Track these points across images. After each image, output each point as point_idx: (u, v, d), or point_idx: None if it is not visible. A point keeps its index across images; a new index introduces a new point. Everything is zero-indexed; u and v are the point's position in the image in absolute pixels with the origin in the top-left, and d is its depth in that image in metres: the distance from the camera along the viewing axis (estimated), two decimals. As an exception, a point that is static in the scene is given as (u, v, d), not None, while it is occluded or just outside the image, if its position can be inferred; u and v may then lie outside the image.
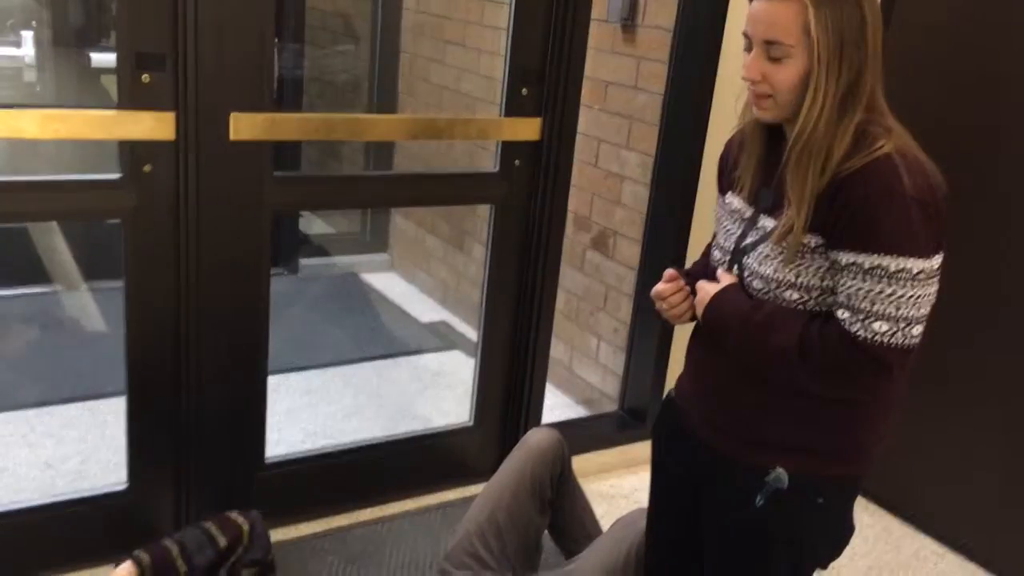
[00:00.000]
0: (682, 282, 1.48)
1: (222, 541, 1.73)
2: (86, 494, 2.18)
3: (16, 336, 3.40)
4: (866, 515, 2.68)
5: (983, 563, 2.58)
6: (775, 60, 1.29)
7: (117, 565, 1.60)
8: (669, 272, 1.50)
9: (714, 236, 1.51)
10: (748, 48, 1.33)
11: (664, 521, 1.64)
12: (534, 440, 2.10)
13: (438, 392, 3.33)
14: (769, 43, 1.28)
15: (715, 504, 1.48)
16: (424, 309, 4.08)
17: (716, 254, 1.47)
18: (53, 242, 3.91)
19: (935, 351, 2.54)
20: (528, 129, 2.40)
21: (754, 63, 1.31)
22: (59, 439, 2.71)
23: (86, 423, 2.80)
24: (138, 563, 1.59)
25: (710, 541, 1.50)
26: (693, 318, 1.48)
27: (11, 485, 2.46)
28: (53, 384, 3.05)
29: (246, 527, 1.78)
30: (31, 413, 2.83)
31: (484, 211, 3.51)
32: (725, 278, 1.41)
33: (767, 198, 1.37)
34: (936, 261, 1.27)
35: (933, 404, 2.63)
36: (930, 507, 2.70)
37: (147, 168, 1.95)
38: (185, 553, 1.67)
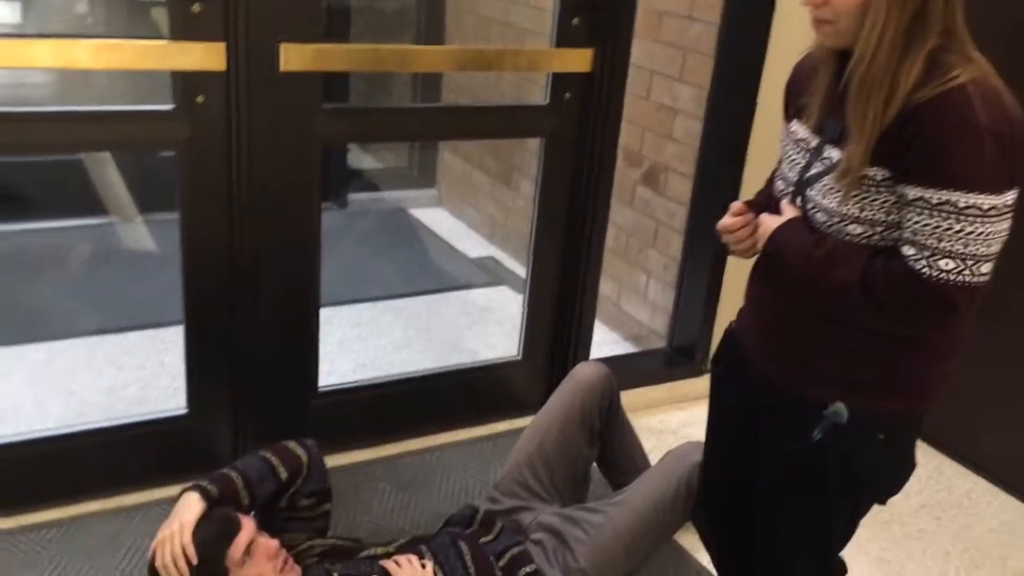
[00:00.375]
0: (750, 215, 1.44)
1: (283, 473, 1.75)
2: (147, 418, 2.25)
3: (76, 266, 3.49)
4: (918, 453, 2.64)
5: (1036, 505, 2.55)
6: None
7: (185, 488, 1.64)
8: (736, 205, 1.47)
9: (778, 165, 1.47)
10: None
11: (721, 454, 1.64)
12: (583, 373, 2.10)
13: (486, 327, 3.35)
14: None
15: (773, 437, 1.47)
16: (472, 244, 4.09)
17: (779, 184, 1.43)
18: (108, 174, 3.98)
19: (999, 289, 2.49)
20: (579, 60, 2.35)
21: None
22: (120, 365, 2.79)
23: (146, 350, 2.88)
24: (205, 494, 1.62)
25: (767, 474, 1.49)
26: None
27: (76, 408, 2.55)
28: (113, 313, 3.13)
29: (305, 459, 1.80)
30: (93, 340, 2.92)
31: (532, 146, 3.47)
32: (788, 210, 1.38)
33: (833, 128, 1.32)
34: (1009, 197, 1.21)
35: (993, 344, 2.57)
36: (984, 448, 2.66)
37: (199, 99, 1.95)
38: (248, 484, 1.69)
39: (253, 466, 1.73)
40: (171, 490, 2.08)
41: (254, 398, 2.24)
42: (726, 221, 1.46)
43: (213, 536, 1.56)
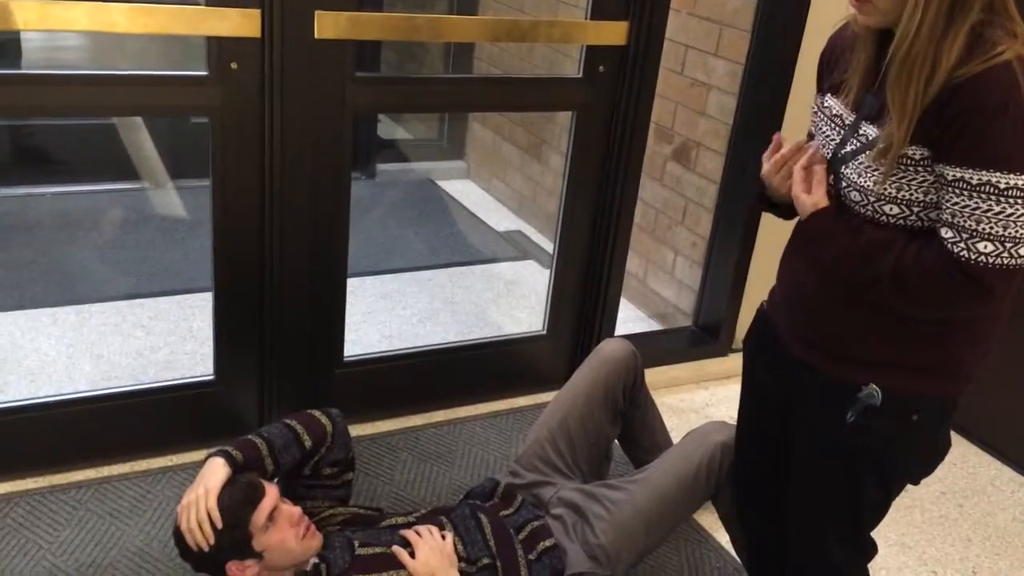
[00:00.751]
0: (785, 152, 1.39)
1: (307, 442, 1.76)
2: (175, 382, 2.28)
3: (108, 230, 3.53)
4: (943, 442, 2.63)
5: (1063, 496, 2.53)
6: None
7: (210, 454, 1.66)
8: (770, 150, 1.42)
9: (809, 137, 1.45)
10: None
11: (754, 433, 1.63)
12: (608, 350, 2.10)
13: (512, 301, 3.35)
14: None
15: (805, 418, 1.46)
16: (500, 218, 4.08)
17: None
18: (140, 140, 4.01)
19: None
20: (614, 33, 2.32)
21: None
22: (149, 330, 2.83)
23: (175, 316, 2.91)
24: (230, 459, 1.63)
25: (799, 454, 1.48)
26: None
27: (106, 372, 2.58)
28: (144, 278, 3.17)
29: (330, 428, 1.81)
30: (123, 304, 2.96)
31: (562, 120, 3.45)
32: (818, 189, 1.34)
33: (872, 105, 1.29)
34: None
35: (1020, 329, 2.53)
36: (1010, 436, 2.63)
37: (234, 65, 1.96)
38: (273, 452, 1.70)
39: (278, 433, 1.74)
40: (197, 455, 2.12)
41: (280, 366, 2.26)
42: (785, 153, 1.39)
43: (238, 501, 1.58)
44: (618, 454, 2.25)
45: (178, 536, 1.60)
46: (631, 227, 2.60)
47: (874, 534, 1.52)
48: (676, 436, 2.15)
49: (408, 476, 2.27)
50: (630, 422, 2.15)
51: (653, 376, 2.48)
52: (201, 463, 1.65)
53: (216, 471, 1.60)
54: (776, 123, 2.60)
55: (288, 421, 1.79)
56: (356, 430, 2.36)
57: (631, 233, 2.62)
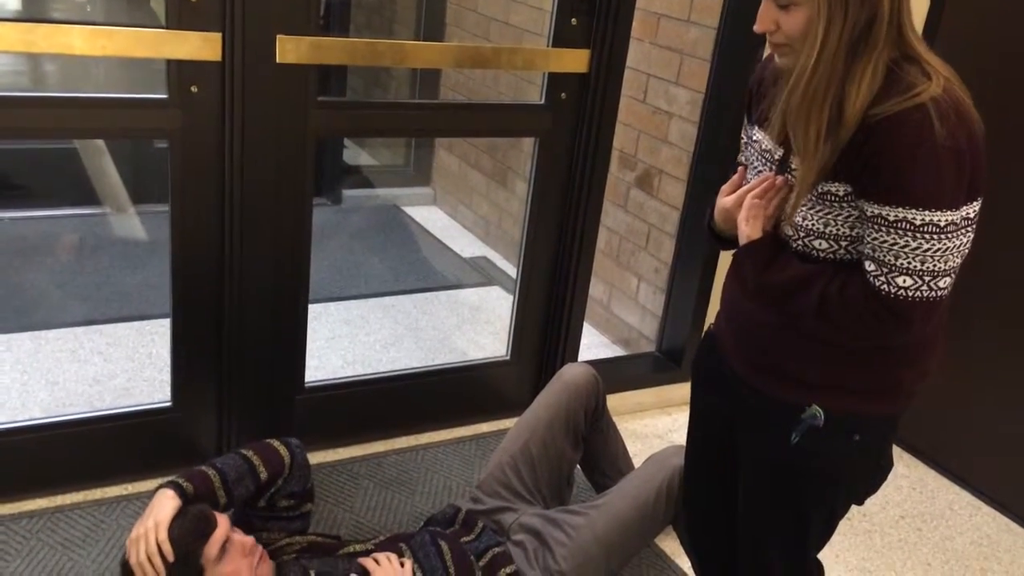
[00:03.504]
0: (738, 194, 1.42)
1: (263, 473, 1.72)
2: (132, 409, 2.24)
3: (67, 255, 3.48)
4: (901, 464, 2.66)
5: (1019, 518, 2.55)
6: (783, 7, 1.23)
7: (160, 486, 1.62)
8: (724, 188, 1.45)
9: (742, 167, 1.47)
10: None
11: (702, 454, 1.64)
12: (570, 374, 2.10)
13: (476, 326, 3.35)
14: None
15: (751, 439, 1.47)
16: (465, 244, 4.08)
17: None
18: (102, 164, 3.96)
19: (980, 297, 2.50)
20: (576, 61, 2.35)
21: (765, 13, 1.25)
22: (106, 357, 2.78)
23: (133, 342, 2.87)
24: (180, 491, 1.60)
25: (746, 475, 1.50)
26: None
27: (61, 399, 2.53)
28: (101, 304, 3.12)
29: (288, 459, 1.77)
30: (80, 331, 2.91)
31: (527, 147, 3.47)
32: (755, 224, 1.36)
33: None
34: (969, 210, 1.21)
35: (976, 354, 2.58)
36: (968, 460, 2.67)
37: (194, 88, 1.95)
38: (226, 483, 1.66)
39: (232, 464, 1.71)
40: (153, 483, 2.07)
41: (240, 392, 2.23)
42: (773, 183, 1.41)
43: (189, 533, 1.54)
44: (580, 479, 2.24)
45: (127, 570, 1.56)
46: (594, 253, 2.61)
47: (832, 558, 1.54)
48: (639, 461, 2.15)
49: (369, 503, 2.24)
50: (592, 447, 2.15)
51: (617, 401, 2.49)
52: (152, 494, 1.62)
53: (165, 503, 1.57)
54: (736, 151, 2.62)
55: (244, 451, 1.75)
56: (317, 457, 2.33)
57: (594, 259, 2.63)
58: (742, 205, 1.38)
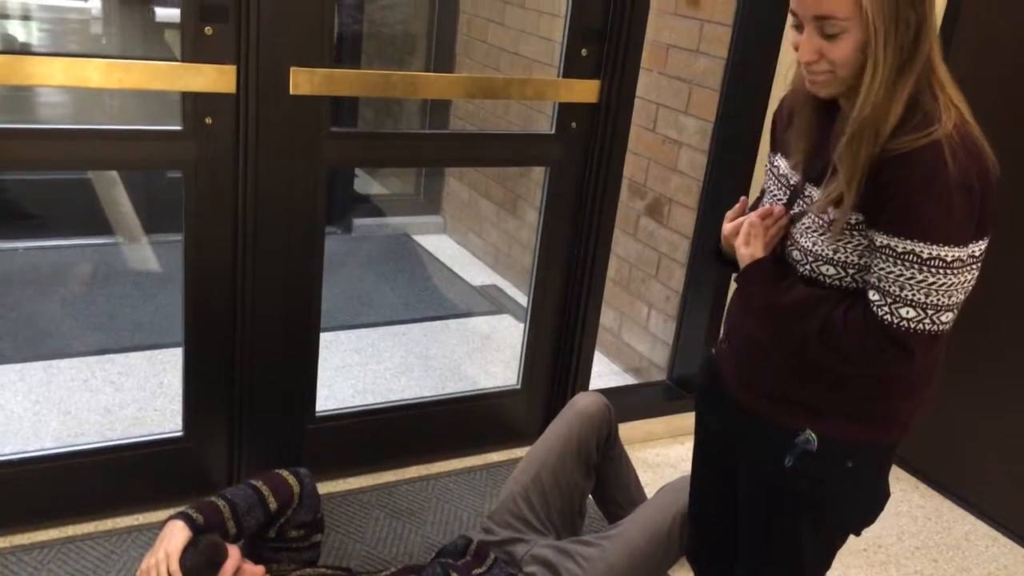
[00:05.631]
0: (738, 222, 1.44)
1: (273, 504, 1.73)
2: (143, 439, 2.24)
3: (80, 285, 3.50)
4: (916, 495, 2.63)
5: (1038, 549, 2.52)
6: (830, 37, 1.21)
7: (170, 516, 1.62)
8: (728, 215, 1.47)
9: (761, 194, 1.48)
10: (796, 25, 1.25)
11: (704, 475, 1.65)
12: (581, 404, 2.09)
13: (486, 355, 3.34)
14: (821, 18, 1.21)
15: (748, 461, 1.48)
16: (475, 272, 4.09)
17: None
18: (115, 195, 4.00)
19: (994, 328, 2.48)
20: (586, 91, 2.37)
21: (808, 43, 1.23)
22: (118, 386, 2.78)
23: (144, 372, 2.87)
24: (190, 522, 1.60)
25: (744, 497, 1.49)
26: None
27: (73, 428, 2.54)
28: (114, 333, 3.13)
29: (297, 489, 1.78)
30: (92, 360, 2.92)
31: (537, 176, 3.49)
32: (756, 243, 1.37)
33: (816, 167, 1.33)
34: (976, 247, 1.22)
35: (992, 384, 2.56)
36: (984, 491, 2.64)
37: (208, 120, 1.97)
38: (236, 514, 1.67)
39: (242, 495, 1.71)
40: (164, 513, 2.06)
41: (251, 422, 2.23)
42: (771, 210, 1.43)
43: (200, 564, 1.54)
44: (593, 509, 2.22)
45: (139, 600, 1.56)
46: (604, 281, 2.62)
47: (849, 590, 1.51)
48: (652, 491, 2.14)
49: (380, 534, 2.23)
50: (604, 477, 2.13)
51: (628, 431, 2.48)
52: (163, 524, 1.61)
53: (176, 534, 1.57)
54: (745, 179, 2.65)
55: (254, 482, 1.76)
56: (328, 487, 2.33)
57: (605, 287, 2.63)
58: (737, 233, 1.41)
